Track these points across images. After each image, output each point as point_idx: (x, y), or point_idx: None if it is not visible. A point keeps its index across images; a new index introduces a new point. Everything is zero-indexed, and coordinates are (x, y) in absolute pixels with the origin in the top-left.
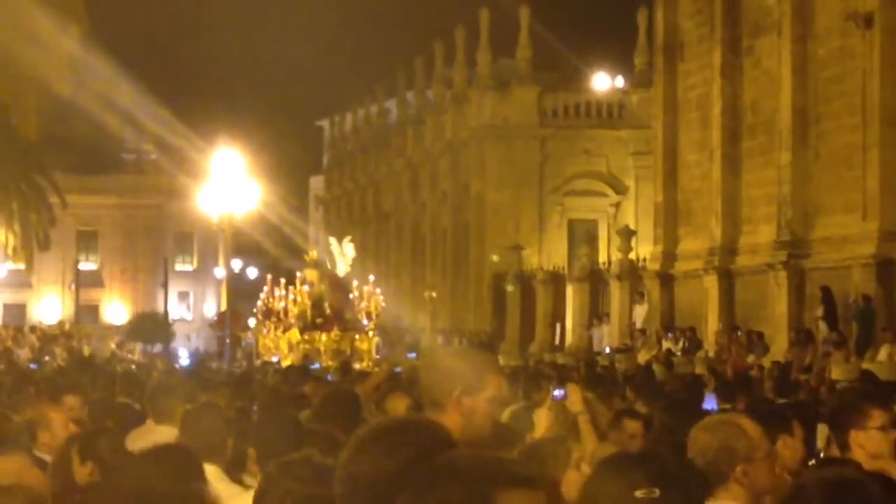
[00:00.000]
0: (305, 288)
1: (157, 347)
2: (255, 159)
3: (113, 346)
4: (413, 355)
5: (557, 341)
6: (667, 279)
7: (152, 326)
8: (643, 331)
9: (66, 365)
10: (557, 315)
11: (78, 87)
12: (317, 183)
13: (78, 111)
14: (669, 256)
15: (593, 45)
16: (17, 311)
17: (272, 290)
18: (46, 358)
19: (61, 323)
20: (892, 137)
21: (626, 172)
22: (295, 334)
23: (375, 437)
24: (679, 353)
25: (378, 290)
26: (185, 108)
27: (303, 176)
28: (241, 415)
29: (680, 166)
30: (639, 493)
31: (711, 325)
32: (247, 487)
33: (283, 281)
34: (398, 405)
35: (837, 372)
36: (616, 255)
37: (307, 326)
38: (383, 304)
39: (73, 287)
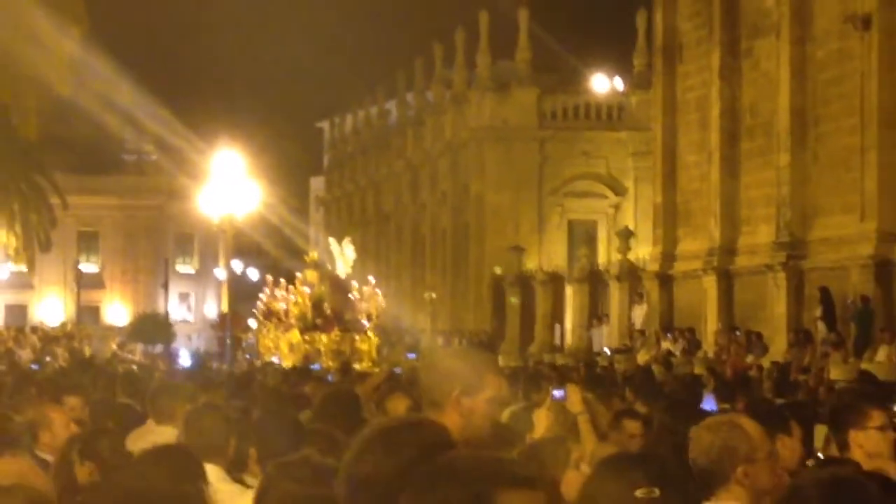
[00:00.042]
0: (306, 289)
1: (158, 348)
2: (255, 160)
3: (114, 346)
4: (413, 356)
5: (557, 342)
6: (666, 280)
7: (153, 327)
8: (642, 331)
9: (68, 366)
10: (557, 316)
11: (78, 87)
12: (317, 184)
13: (78, 111)
14: (668, 257)
15: (592, 47)
16: (19, 312)
17: (272, 291)
18: (48, 358)
19: (62, 324)
20: (890, 139)
21: (625, 174)
22: (295, 335)
23: (378, 438)
24: (678, 354)
25: (378, 291)
26: (185, 108)
27: (303, 177)
28: (242, 415)
29: (679, 167)
30: (639, 493)
31: (710, 326)
32: (248, 487)
33: (283, 282)
34: (398, 405)
35: (836, 372)
36: (615, 256)
37: (307, 327)
38: (383, 305)
39: (74, 288)
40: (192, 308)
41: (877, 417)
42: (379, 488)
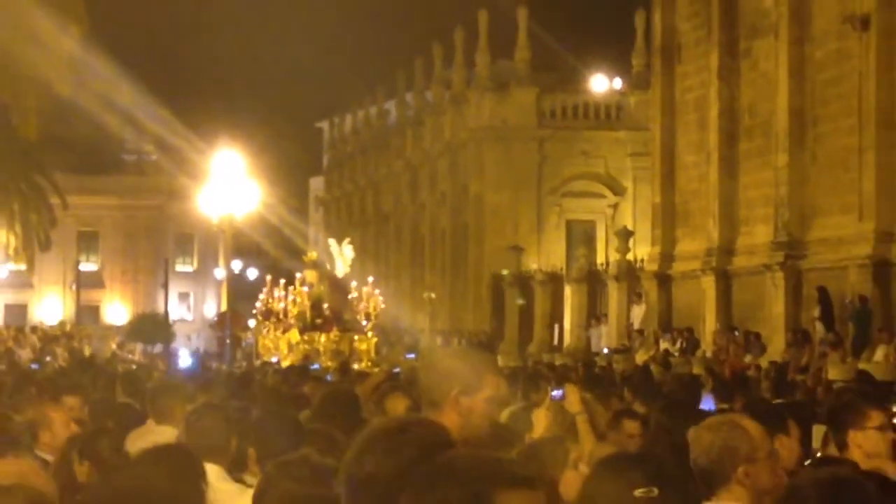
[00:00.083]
0: (305, 289)
1: (158, 348)
2: (255, 160)
3: (114, 346)
4: (412, 356)
5: (556, 342)
6: (664, 280)
7: (153, 327)
8: (641, 331)
9: (67, 365)
10: (556, 316)
11: (78, 87)
12: (317, 184)
13: (78, 111)
14: (667, 257)
15: (591, 47)
16: (19, 312)
17: (272, 291)
18: (47, 358)
19: (62, 323)
20: (888, 139)
21: (623, 174)
22: (294, 335)
23: (378, 438)
24: (677, 354)
25: (377, 291)
26: (185, 108)
27: (303, 177)
28: (242, 415)
29: (677, 168)
30: (638, 493)
31: (709, 326)
32: (248, 487)
33: (282, 282)
34: (397, 405)
35: (834, 372)
36: (614, 256)
37: (306, 327)
38: (382, 305)
39: (73, 287)
40: (192, 308)
41: (876, 418)
42: (379, 488)
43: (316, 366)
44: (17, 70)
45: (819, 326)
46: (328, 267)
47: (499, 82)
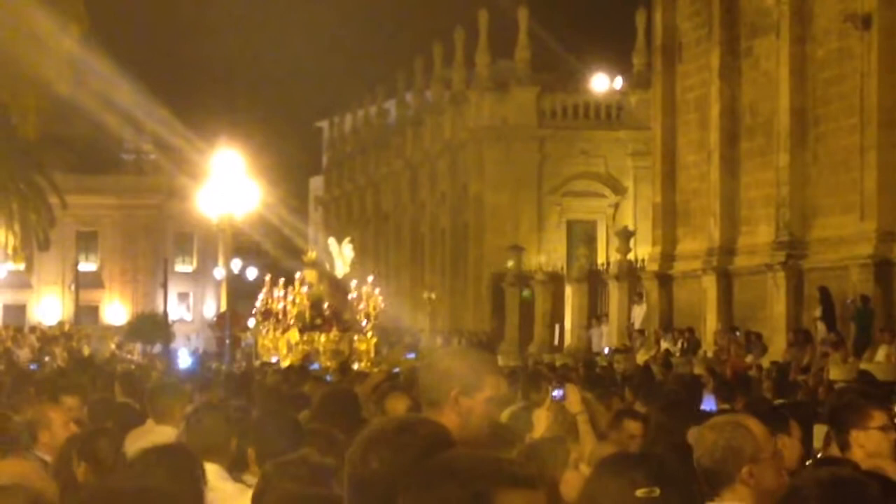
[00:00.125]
0: (304, 289)
1: (157, 348)
2: (254, 160)
3: (113, 346)
4: (412, 355)
5: (556, 342)
6: (665, 280)
7: (152, 327)
8: (642, 331)
9: (66, 365)
10: (556, 315)
11: (77, 86)
12: (316, 184)
13: (77, 111)
14: (668, 257)
15: (592, 46)
16: (17, 312)
17: (271, 291)
18: (46, 358)
19: (61, 323)
20: (890, 139)
21: (624, 173)
22: (294, 335)
23: (378, 438)
24: (678, 354)
25: (377, 291)
26: (184, 108)
27: (302, 177)
28: (242, 414)
29: (678, 167)
30: (639, 493)
31: (710, 326)
32: (248, 486)
33: (281, 282)
34: (397, 405)
35: (835, 372)
36: (615, 256)
37: (306, 327)
38: (382, 305)
39: (72, 287)
40: (191, 308)
41: (879, 418)
42: (380, 488)
43: (315, 366)
44: (16, 69)
45: (820, 326)
46: (328, 267)
47: (499, 82)
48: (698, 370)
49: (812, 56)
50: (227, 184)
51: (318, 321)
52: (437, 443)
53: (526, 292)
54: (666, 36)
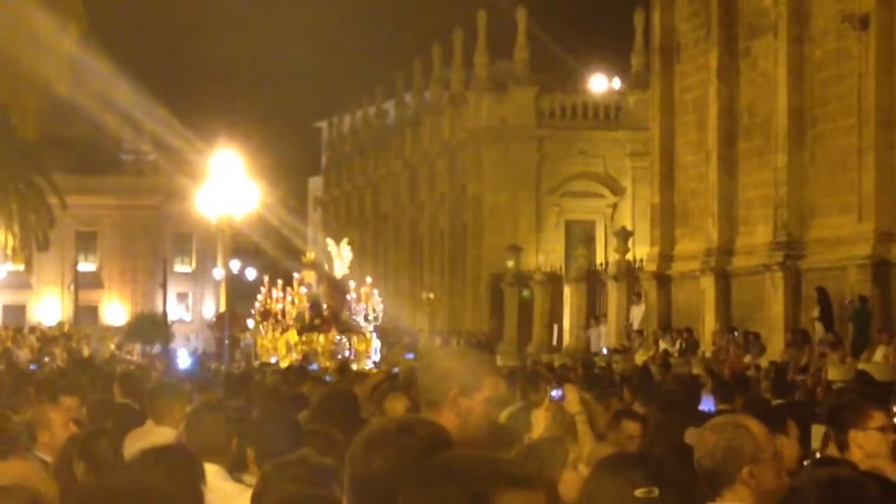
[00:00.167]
0: (303, 289)
1: (157, 348)
2: (253, 160)
3: (112, 346)
4: (411, 356)
5: (555, 342)
6: (664, 280)
7: (151, 327)
8: (640, 331)
9: (66, 366)
10: (555, 316)
11: (77, 87)
12: (315, 184)
13: (77, 111)
14: (666, 257)
15: (590, 47)
16: (17, 312)
17: (270, 292)
18: (46, 359)
19: (60, 324)
20: (888, 139)
21: (622, 173)
22: (293, 335)
23: (385, 436)
24: (676, 354)
25: (375, 292)
26: (183, 108)
27: (301, 177)
28: (242, 415)
29: (677, 168)
30: (638, 493)
31: (708, 326)
32: (248, 486)
33: (280, 282)
34: (397, 405)
35: (833, 373)
36: (613, 256)
37: (305, 328)
38: (381, 306)
39: (72, 288)
40: (190, 308)
41: (878, 418)
42: (381, 488)
43: (315, 366)
44: (15, 70)
45: (818, 327)
46: (326, 268)
47: (497, 82)
48: (697, 370)
49: (810, 56)
50: (227, 184)
51: (317, 322)
52: (436, 443)
53: (526, 293)
54: (664, 36)
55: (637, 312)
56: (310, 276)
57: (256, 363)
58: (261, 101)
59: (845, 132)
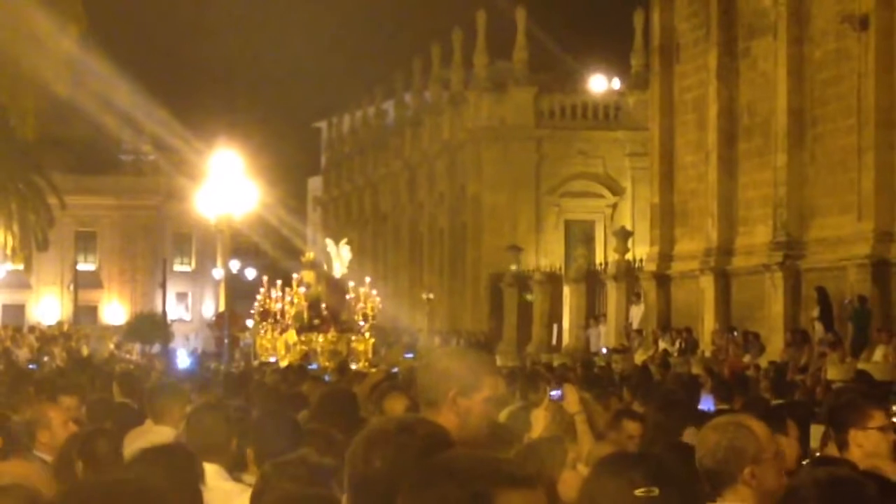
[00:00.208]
0: (302, 289)
1: (156, 348)
2: (253, 160)
3: (112, 346)
4: (411, 356)
5: (554, 342)
6: (663, 280)
7: (151, 327)
8: (640, 331)
9: (65, 365)
10: (554, 316)
11: (76, 87)
12: (315, 184)
13: (76, 111)
14: (666, 257)
15: (590, 47)
16: (16, 312)
17: (269, 292)
18: (45, 358)
19: (60, 323)
20: (887, 139)
21: (622, 174)
22: (292, 335)
23: (385, 435)
24: (675, 354)
25: (374, 292)
26: (183, 108)
27: (301, 177)
28: (241, 414)
29: (676, 168)
30: (638, 492)
31: (708, 326)
32: (248, 486)
33: (279, 282)
34: (396, 405)
35: (833, 372)
36: (612, 256)
37: (304, 328)
38: (380, 306)
39: (71, 288)
40: (190, 308)
41: (878, 418)
42: (381, 487)
43: (314, 365)
44: (15, 70)
45: (818, 326)
46: (326, 267)
47: (497, 82)
48: (696, 370)
49: (809, 57)
50: (226, 184)
51: (316, 322)
52: (436, 443)
53: (530, 296)
54: (664, 36)
55: (636, 312)
56: (309, 275)
57: (256, 363)
58: (260, 101)
59: (845, 132)
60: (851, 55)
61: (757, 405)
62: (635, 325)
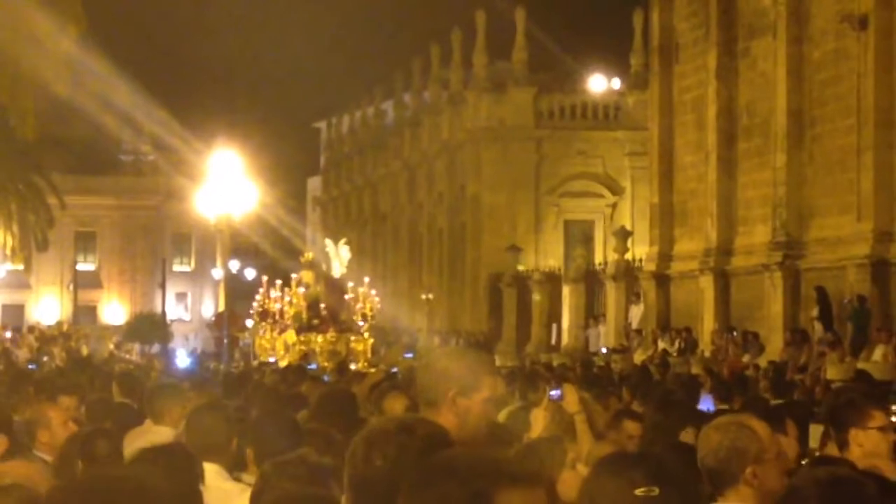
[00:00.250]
0: (301, 290)
1: (155, 348)
2: (252, 160)
3: (111, 346)
4: (410, 356)
5: (554, 342)
6: (662, 280)
7: (150, 327)
8: (639, 331)
9: (65, 365)
10: (554, 315)
11: (76, 87)
12: (314, 184)
13: (76, 112)
14: (665, 257)
15: (589, 47)
16: (16, 312)
17: (268, 292)
18: (45, 358)
19: (59, 323)
20: (887, 139)
21: (622, 173)
22: (291, 335)
23: (386, 435)
24: (675, 354)
25: (373, 292)
26: (182, 108)
27: (300, 177)
28: (241, 414)
29: (676, 168)
30: (638, 492)
31: (707, 326)
32: (248, 486)
33: (278, 282)
34: (395, 405)
35: (832, 372)
36: (612, 256)
37: (303, 328)
38: (379, 306)
39: (71, 288)
40: (189, 308)
41: (879, 418)
42: (381, 487)
43: (313, 366)
44: (14, 70)
45: (817, 326)
46: (325, 268)
47: (496, 82)
48: (696, 370)
49: (809, 57)
50: (225, 184)
51: (315, 322)
52: (436, 443)
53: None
54: (663, 36)
55: (636, 312)
56: (308, 276)
57: (255, 363)
58: (260, 101)
59: (844, 132)
60: (851, 55)
61: (756, 405)
62: (635, 325)
